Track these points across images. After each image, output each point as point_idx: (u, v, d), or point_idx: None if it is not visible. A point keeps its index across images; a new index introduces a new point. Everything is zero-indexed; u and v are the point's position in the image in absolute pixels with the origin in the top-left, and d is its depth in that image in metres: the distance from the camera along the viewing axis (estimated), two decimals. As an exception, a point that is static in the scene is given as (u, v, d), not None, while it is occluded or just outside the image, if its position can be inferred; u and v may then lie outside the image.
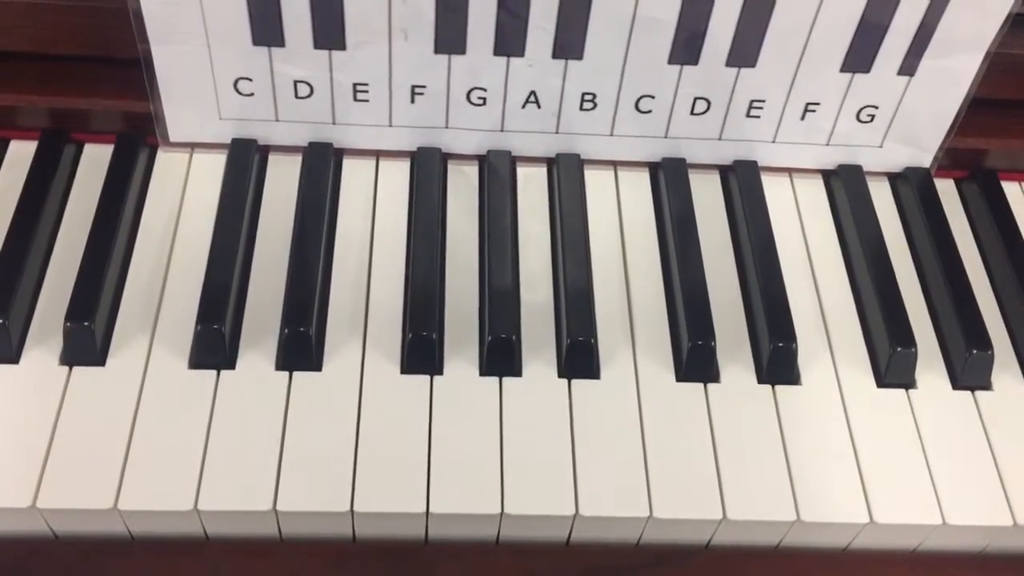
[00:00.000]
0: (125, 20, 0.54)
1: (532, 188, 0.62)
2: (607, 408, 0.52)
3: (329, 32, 0.55)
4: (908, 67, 0.58)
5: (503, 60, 0.56)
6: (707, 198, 0.62)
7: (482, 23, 0.55)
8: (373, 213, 0.59)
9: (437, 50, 0.56)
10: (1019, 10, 0.55)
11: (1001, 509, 0.50)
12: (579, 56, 0.56)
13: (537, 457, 0.50)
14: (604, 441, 0.51)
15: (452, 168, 0.62)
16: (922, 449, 0.52)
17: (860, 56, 0.57)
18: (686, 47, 0.56)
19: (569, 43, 0.56)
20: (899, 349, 0.54)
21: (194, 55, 0.55)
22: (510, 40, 0.56)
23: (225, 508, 0.47)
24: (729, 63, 0.57)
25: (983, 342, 0.55)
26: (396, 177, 0.61)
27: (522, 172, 0.62)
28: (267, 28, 0.54)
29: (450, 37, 0.55)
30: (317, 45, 0.55)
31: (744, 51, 0.56)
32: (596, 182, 0.62)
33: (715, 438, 0.51)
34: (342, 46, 0.55)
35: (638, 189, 0.62)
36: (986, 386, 0.55)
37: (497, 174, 0.61)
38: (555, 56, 0.56)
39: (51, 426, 0.49)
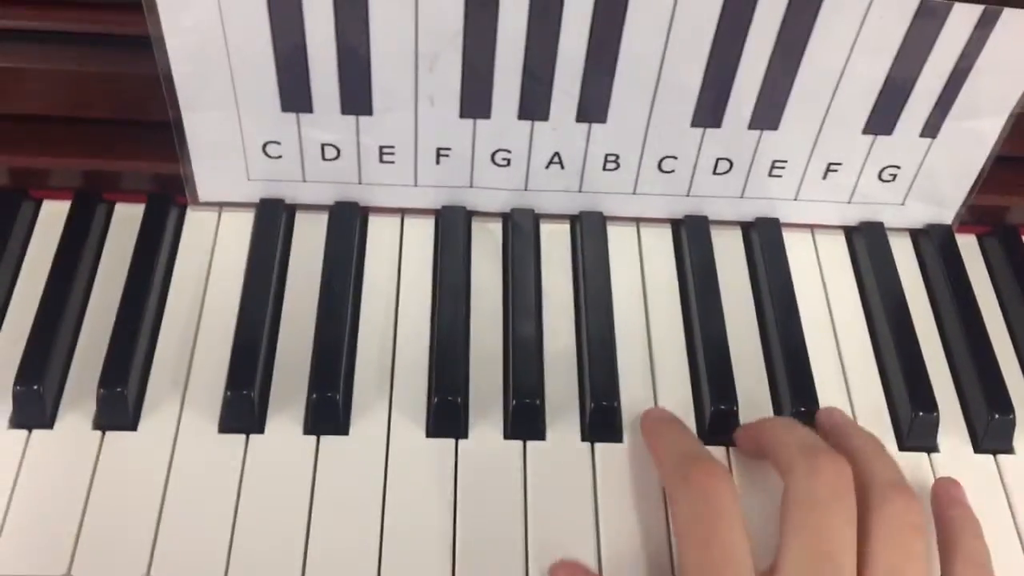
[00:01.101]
0: (156, 86, 0.55)
1: (556, 245, 0.62)
2: (629, 472, 0.53)
3: (357, 99, 0.56)
4: (931, 129, 0.58)
5: (527, 124, 0.57)
6: (729, 254, 0.63)
7: (507, 89, 0.55)
8: (399, 271, 0.60)
9: (463, 115, 0.57)
10: (1042, 73, 0.56)
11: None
12: (603, 120, 0.57)
13: (561, 523, 0.51)
14: (627, 506, 0.51)
15: (476, 225, 0.62)
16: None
17: (882, 119, 0.57)
18: (709, 111, 0.57)
19: (593, 107, 0.56)
20: (921, 414, 0.54)
21: (224, 120, 0.56)
22: (534, 105, 0.56)
23: (255, 578, 0.48)
24: (752, 126, 0.58)
25: (1005, 406, 0.55)
26: (421, 234, 0.62)
27: (546, 229, 0.63)
28: (296, 95, 0.55)
29: (475, 103, 0.56)
30: (344, 111, 0.56)
31: (767, 115, 0.57)
32: (619, 237, 0.63)
33: (737, 505, 0.52)
34: (369, 111, 0.56)
35: (661, 245, 0.63)
36: (1008, 450, 0.55)
37: (521, 232, 0.61)
38: (579, 120, 0.57)
39: (85, 492, 0.50)
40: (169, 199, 0.61)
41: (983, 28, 0.53)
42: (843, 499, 0.45)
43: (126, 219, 0.61)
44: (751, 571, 0.44)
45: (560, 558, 0.49)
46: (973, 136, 0.58)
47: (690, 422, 0.55)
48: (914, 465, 0.54)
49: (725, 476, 0.47)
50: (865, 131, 0.58)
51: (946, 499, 0.51)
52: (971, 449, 0.55)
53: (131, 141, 0.59)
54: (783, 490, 0.47)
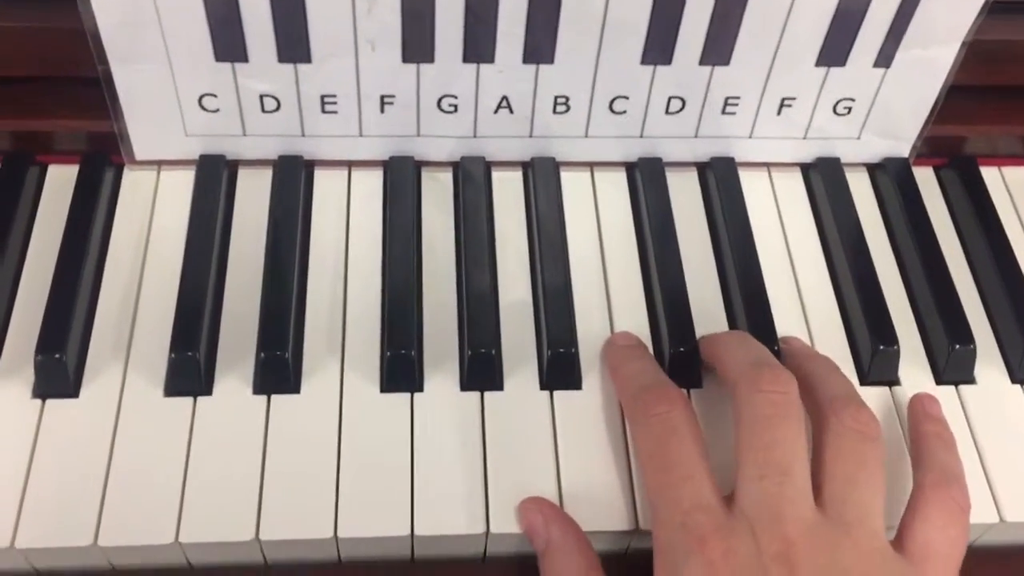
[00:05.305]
0: (84, 40, 0.53)
1: (508, 192, 0.61)
2: (589, 418, 0.52)
3: (293, 45, 0.53)
4: (884, 59, 0.57)
5: (473, 67, 0.55)
6: (685, 196, 0.61)
7: (450, 31, 0.54)
8: (347, 225, 0.59)
9: (405, 59, 0.55)
10: (994, -2, 0.55)
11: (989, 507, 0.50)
12: (550, 60, 0.55)
13: (521, 469, 0.50)
14: (587, 451, 0.50)
15: (426, 175, 0.61)
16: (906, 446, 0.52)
17: (835, 50, 0.56)
18: (658, 47, 0.55)
19: (539, 48, 0.55)
20: (882, 347, 0.54)
21: (156, 73, 0.54)
22: (479, 47, 0.54)
23: (206, 540, 0.47)
24: (703, 62, 0.56)
25: (965, 337, 0.54)
26: (369, 187, 0.60)
27: (497, 176, 0.61)
28: (229, 44, 0.53)
29: (418, 46, 0.54)
30: (281, 59, 0.54)
31: (717, 49, 0.56)
32: (573, 183, 0.61)
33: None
34: (307, 59, 0.54)
35: (615, 189, 0.62)
36: (969, 380, 0.55)
37: (472, 180, 0.60)
38: (526, 61, 0.55)
39: (26, 462, 0.48)
40: (105, 159, 0.58)
41: (933, -49, 0.52)
42: (788, 411, 0.45)
43: (60, 181, 0.58)
44: (711, 489, 0.44)
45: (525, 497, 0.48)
46: (926, 65, 0.57)
47: (650, 366, 0.54)
48: (876, 398, 0.54)
49: (681, 401, 0.47)
50: (818, 63, 0.57)
51: (921, 414, 0.51)
52: (932, 381, 0.55)
53: (62, 99, 0.57)
54: (733, 408, 0.47)
